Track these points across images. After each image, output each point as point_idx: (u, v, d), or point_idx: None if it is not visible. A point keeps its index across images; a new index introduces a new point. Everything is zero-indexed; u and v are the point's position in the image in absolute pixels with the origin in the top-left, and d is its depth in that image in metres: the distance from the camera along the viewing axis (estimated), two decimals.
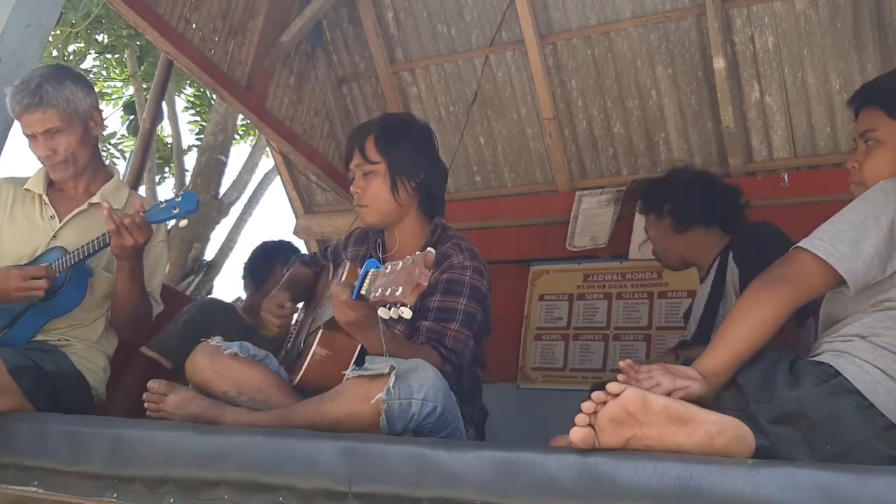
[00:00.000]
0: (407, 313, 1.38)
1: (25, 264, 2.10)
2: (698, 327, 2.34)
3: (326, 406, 1.61)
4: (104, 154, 7.81)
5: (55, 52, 6.65)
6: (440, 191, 2.14)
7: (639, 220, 3.73)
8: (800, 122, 3.61)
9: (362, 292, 1.51)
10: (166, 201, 2.02)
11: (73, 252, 2.03)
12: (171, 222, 2.27)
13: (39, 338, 2.09)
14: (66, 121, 2.12)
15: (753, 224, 2.35)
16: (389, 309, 1.41)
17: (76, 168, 2.18)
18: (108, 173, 2.31)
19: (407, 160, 2.03)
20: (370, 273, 1.52)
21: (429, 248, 1.44)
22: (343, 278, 1.66)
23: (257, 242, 3.43)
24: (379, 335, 1.61)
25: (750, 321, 1.43)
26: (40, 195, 2.21)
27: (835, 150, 3.58)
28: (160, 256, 2.30)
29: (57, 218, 2.19)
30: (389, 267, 1.47)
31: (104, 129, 2.15)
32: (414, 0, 4.07)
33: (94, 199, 2.21)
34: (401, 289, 1.38)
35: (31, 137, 2.14)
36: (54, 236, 2.15)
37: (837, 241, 1.43)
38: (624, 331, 3.66)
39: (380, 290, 1.44)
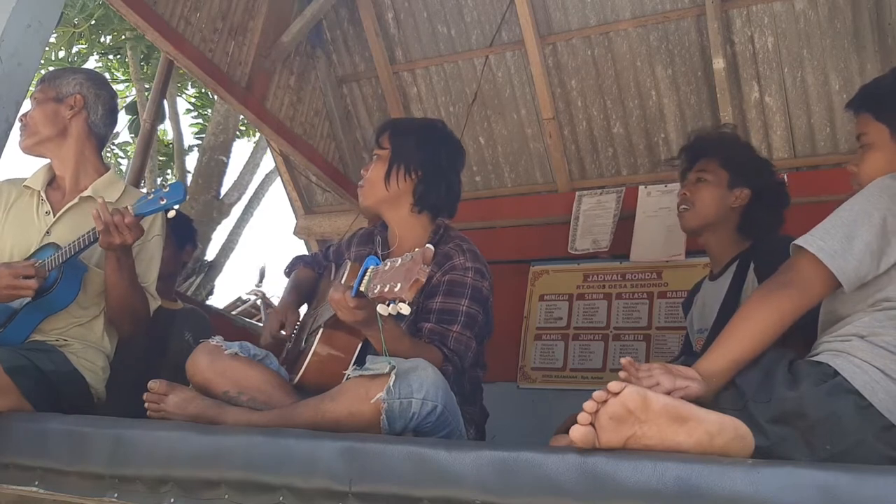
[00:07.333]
0: (405, 309, 1.38)
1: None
2: (710, 333, 2.28)
3: (326, 406, 1.62)
4: (107, 154, 7.84)
5: (62, 54, 6.64)
6: (441, 198, 2.11)
7: (642, 219, 3.74)
8: (799, 123, 3.61)
9: (361, 289, 1.52)
10: (153, 192, 1.98)
11: (65, 248, 2.02)
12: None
13: (37, 338, 2.08)
14: (44, 94, 2.26)
15: (781, 239, 2.22)
16: (388, 305, 1.41)
17: (32, 139, 2.24)
18: (100, 168, 2.30)
19: (409, 152, 2.08)
20: (369, 270, 1.52)
21: (427, 245, 1.44)
22: (344, 279, 1.66)
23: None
24: (380, 331, 1.61)
25: (752, 326, 1.44)
26: (39, 192, 2.22)
27: (834, 150, 3.58)
28: (155, 251, 2.26)
29: (52, 213, 2.19)
30: (389, 264, 1.47)
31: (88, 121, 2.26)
32: (414, 0, 4.07)
33: (86, 194, 2.21)
34: (399, 285, 1.38)
35: None
36: (48, 232, 2.15)
37: (829, 237, 1.45)
38: (624, 331, 3.66)
39: (378, 286, 1.44)
